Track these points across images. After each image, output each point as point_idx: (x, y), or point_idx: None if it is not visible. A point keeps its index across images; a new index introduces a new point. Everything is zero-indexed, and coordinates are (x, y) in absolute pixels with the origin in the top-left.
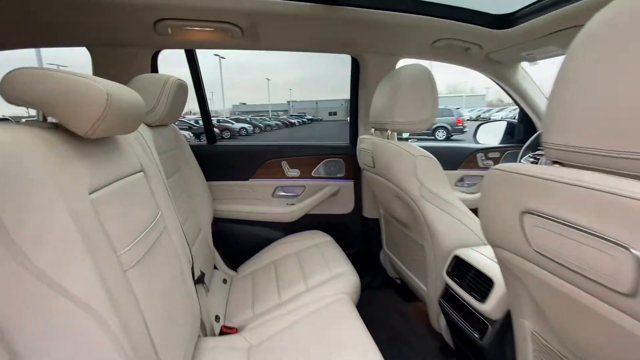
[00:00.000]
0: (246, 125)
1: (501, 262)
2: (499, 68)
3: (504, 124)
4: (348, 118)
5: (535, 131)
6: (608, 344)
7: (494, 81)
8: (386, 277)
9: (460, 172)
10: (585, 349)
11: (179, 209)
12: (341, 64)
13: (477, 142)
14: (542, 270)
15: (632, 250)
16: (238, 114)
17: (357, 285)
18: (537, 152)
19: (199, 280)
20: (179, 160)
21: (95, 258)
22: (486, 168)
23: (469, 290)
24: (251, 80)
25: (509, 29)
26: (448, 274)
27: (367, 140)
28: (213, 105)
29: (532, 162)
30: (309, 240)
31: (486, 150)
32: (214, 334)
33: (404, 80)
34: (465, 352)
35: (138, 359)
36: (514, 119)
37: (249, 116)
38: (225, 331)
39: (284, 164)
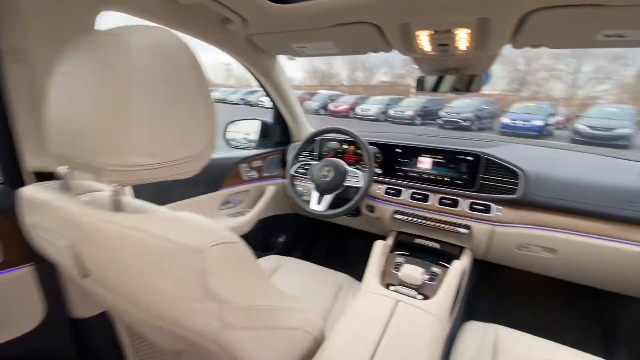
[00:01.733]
0: None
1: None
2: (259, 58)
3: (258, 124)
4: None
5: (289, 134)
6: None
7: (253, 74)
8: None
9: (224, 192)
10: None
11: None
12: None
13: (228, 144)
14: None
15: None
16: None
17: None
18: (306, 162)
19: None
20: None
21: None
22: (251, 181)
23: None
24: None
25: (288, 5)
26: None
27: (48, 208)
28: None
29: (303, 174)
30: None
31: (249, 159)
32: None
33: (143, 61)
34: None
35: None
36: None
37: None
38: None
39: None
